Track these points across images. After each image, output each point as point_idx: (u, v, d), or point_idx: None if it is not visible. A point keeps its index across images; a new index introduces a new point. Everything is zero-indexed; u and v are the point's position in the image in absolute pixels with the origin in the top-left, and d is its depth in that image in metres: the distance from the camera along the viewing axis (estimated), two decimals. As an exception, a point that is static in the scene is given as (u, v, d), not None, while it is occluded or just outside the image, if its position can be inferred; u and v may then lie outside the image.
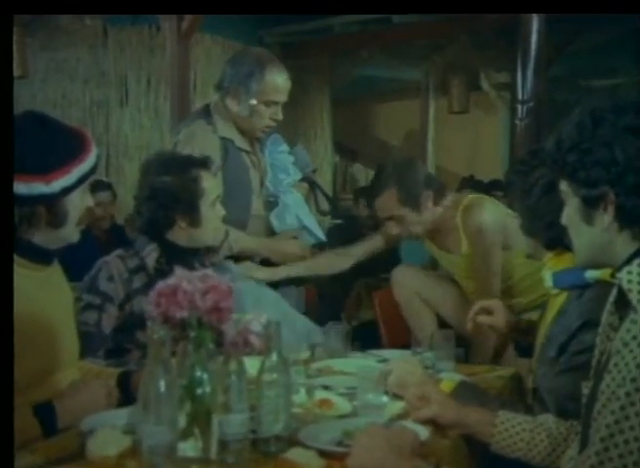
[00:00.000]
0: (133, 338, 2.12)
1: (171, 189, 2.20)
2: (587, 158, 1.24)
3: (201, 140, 2.59)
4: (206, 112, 2.73)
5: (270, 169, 2.84)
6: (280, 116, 2.72)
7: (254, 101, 2.63)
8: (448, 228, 2.85)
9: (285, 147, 2.88)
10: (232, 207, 2.48)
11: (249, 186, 2.71)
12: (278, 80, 2.67)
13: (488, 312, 2.19)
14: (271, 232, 2.81)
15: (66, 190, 1.67)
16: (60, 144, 1.68)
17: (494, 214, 2.78)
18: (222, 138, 2.65)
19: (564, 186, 1.31)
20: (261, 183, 2.80)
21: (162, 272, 2.09)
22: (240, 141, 2.72)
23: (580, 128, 1.25)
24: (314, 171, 3.08)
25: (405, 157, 2.96)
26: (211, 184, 2.28)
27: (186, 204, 2.22)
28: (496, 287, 2.76)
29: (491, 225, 2.76)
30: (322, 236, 2.90)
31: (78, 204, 1.72)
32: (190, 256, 2.27)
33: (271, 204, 2.81)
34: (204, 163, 2.32)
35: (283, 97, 2.70)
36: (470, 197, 2.88)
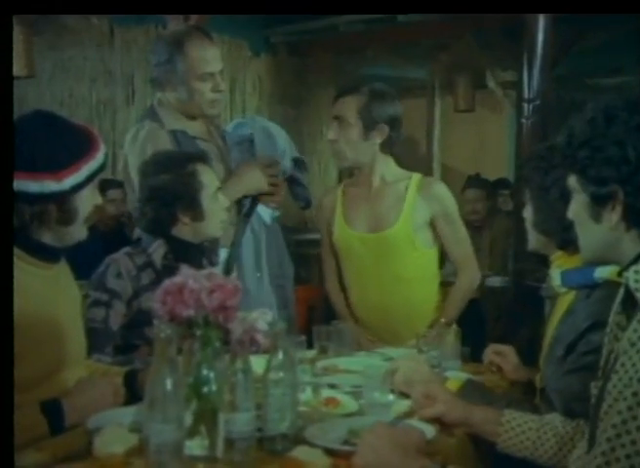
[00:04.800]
0: (142, 335, 2.13)
1: (169, 187, 2.20)
2: (598, 155, 1.23)
3: (145, 140, 2.50)
4: (151, 111, 2.63)
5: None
6: (222, 86, 2.62)
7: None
8: (378, 192, 2.68)
9: (246, 130, 2.74)
10: None
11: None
12: (202, 51, 2.56)
13: (500, 355, 2.22)
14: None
15: (76, 187, 1.68)
16: (69, 142, 1.69)
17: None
18: (172, 132, 2.55)
19: (573, 181, 1.31)
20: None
21: (170, 268, 2.09)
22: (194, 130, 2.62)
23: (593, 124, 1.24)
24: (299, 160, 2.85)
25: (389, 90, 2.71)
26: (209, 177, 2.27)
27: (186, 199, 2.22)
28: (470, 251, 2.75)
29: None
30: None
31: (87, 201, 1.73)
32: (198, 251, 2.27)
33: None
34: (200, 157, 2.31)
35: (217, 66, 2.59)
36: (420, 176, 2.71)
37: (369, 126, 2.60)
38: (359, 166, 2.69)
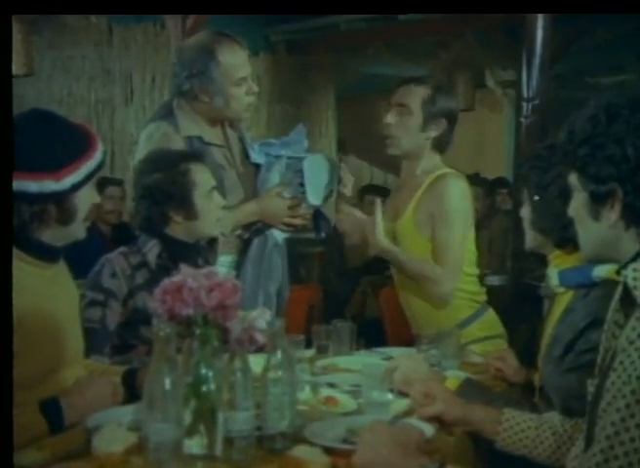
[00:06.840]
0: (138, 334, 2.13)
1: (161, 185, 2.19)
2: (599, 153, 1.23)
3: (159, 143, 2.45)
4: (168, 111, 2.56)
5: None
6: (255, 88, 2.59)
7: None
8: (405, 184, 2.65)
9: (299, 149, 2.68)
10: None
11: (221, 189, 2.43)
12: (234, 56, 2.52)
13: (500, 359, 2.21)
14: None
15: (75, 187, 1.68)
16: (67, 141, 1.70)
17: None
18: (187, 138, 2.50)
19: (573, 179, 1.30)
20: (241, 181, 2.62)
21: (164, 268, 2.10)
22: (210, 136, 2.58)
23: (594, 122, 1.23)
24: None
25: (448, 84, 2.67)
26: (203, 176, 2.25)
27: (178, 198, 2.20)
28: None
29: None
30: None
31: (86, 200, 1.74)
32: (192, 251, 2.26)
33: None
34: (194, 156, 2.30)
35: (248, 69, 2.57)
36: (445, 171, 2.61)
37: (429, 118, 2.57)
38: (407, 156, 2.65)
